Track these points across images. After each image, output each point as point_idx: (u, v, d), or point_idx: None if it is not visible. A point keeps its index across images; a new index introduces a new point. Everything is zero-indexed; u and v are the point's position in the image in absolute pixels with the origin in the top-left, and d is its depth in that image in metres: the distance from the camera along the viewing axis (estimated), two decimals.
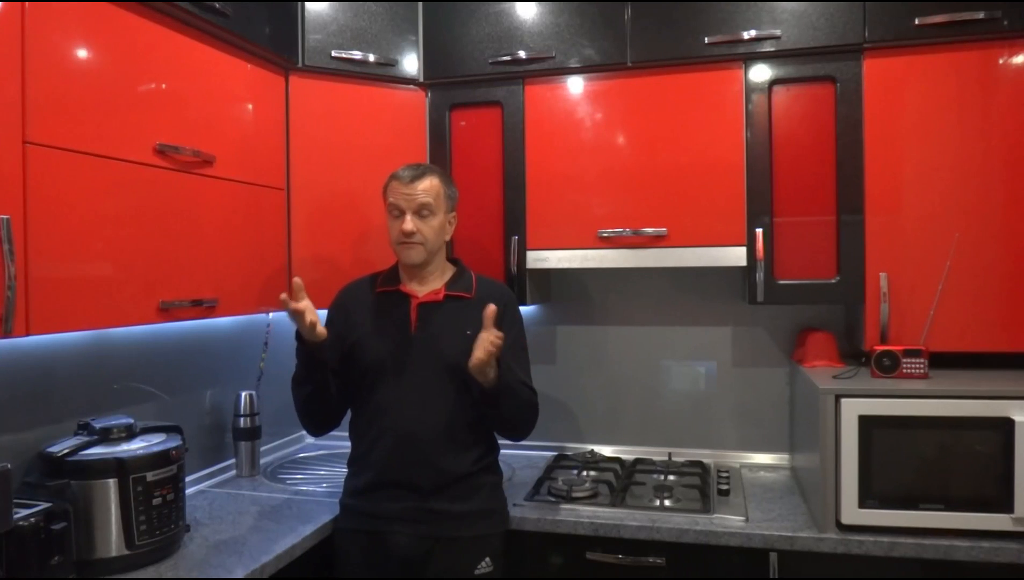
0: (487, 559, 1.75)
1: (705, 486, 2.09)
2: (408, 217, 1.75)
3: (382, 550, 1.73)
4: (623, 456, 2.46)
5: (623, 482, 2.14)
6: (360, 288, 1.90)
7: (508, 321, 1.80)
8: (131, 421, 1.66)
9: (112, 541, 1.52)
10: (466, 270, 1.89)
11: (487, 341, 1.59)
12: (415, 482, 1.72)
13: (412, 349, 1.77)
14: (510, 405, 1.72)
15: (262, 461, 2.34)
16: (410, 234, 1.74)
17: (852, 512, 1.76)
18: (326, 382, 1.75)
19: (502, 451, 1.93)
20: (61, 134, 1.42)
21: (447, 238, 1.85)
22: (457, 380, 1.73)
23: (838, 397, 1.78)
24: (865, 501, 1.75)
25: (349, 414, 1.88)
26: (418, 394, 1.75)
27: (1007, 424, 1.69)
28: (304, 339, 1.68)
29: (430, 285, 1.83)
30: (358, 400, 1.82)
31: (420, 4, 2.31)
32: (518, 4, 2.23)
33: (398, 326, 1.79)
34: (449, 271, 1.87)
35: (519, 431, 1.83)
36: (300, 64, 2.16)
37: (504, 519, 1.86)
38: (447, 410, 1.74)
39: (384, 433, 1.75)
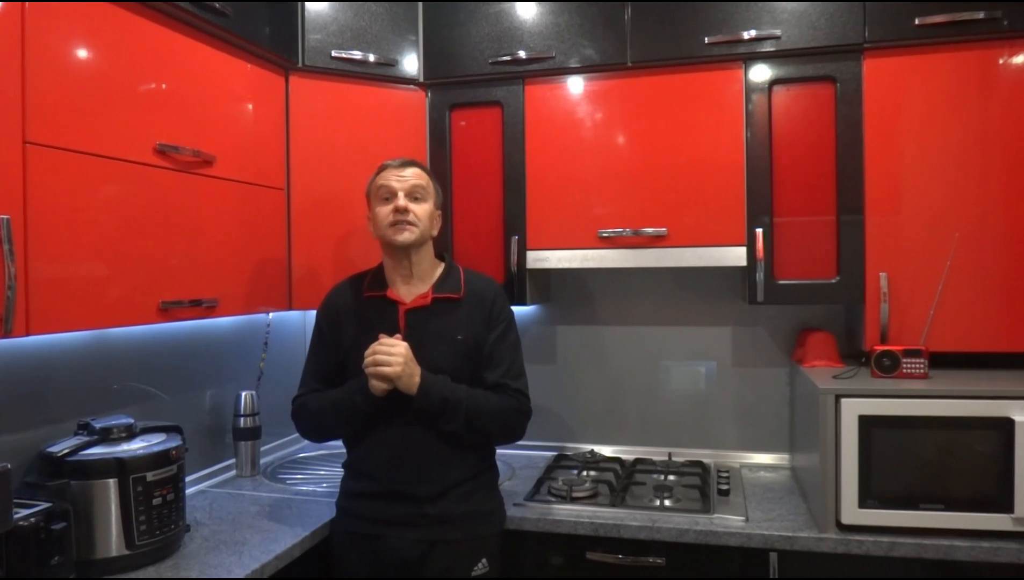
0: (484, 560, 1.75)
1: (705, 486, 2.09)
2: (401, 196, 1.73)
3: (379, 553, 1.72)
4: (623, 456, 2.45)
5: (623, 482, 2.14)
6: (344, 294, 1.86)
7: (495, 317, 1.79)
8: (131, 421, 1.66)
9: (112, 541, 1.52)
10: (454, 267, 1.85)
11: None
12: (412, 492, 1.71)
13: None
14: (460, 424, 1.69)
15: (262, 461, 2.34)
16: (404, 210, 1.72)
17: (852, 512, 1.76)
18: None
19: (502, 451, 1.92)
20: (61, 134, 1.42)
21: (434, 233, 1.82)
22: None
23: (838, 397, 1.78)
24: (865, 501, 1.75)
25: None
26: (411, 403, 1.69)
27: (1007, 424, 1.69)
28: (368, 398, 1.67)
29: (417, 288, 1.79)
30: None
31: (420, 4, 2.31)
32: (518, 4, 2.23)
33: (387, 335, 1.74)
34: (437, 269, 1.83)
35: (500, 440, 1.83)
36: (300, 64, 2.16)
37: (501, 519, 1.86)
38: None
39: (379, 444, 1.73)
